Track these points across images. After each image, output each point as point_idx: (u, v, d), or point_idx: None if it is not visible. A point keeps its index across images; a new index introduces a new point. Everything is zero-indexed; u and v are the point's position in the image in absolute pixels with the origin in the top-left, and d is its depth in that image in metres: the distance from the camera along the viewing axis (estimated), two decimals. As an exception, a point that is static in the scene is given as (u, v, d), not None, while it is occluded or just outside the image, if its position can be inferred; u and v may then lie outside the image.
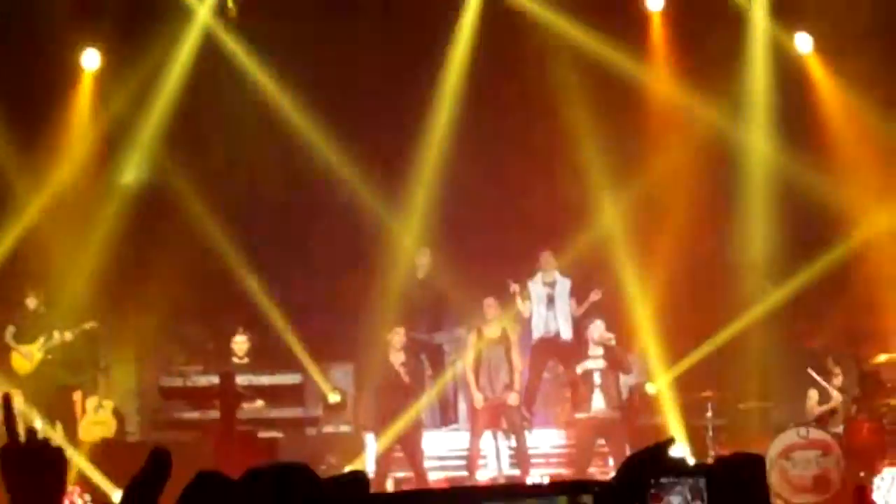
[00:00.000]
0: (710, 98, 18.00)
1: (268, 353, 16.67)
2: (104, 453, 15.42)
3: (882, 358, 15.83)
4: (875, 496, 13.15)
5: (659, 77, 18.45)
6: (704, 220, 17.72)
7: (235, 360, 16.18)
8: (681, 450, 14.27)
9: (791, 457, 14.59)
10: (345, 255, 17.83)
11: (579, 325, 16.30)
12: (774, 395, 17.40)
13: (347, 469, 14.81)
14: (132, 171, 18.30)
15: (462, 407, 17.13)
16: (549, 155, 18.03)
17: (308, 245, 18.06)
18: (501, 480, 15.84)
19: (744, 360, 17.58)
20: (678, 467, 3.00)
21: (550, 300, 16.50)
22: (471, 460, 15.82)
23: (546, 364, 16.88)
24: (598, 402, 15.35)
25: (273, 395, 15.48)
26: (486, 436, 16.05)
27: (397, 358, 15.81)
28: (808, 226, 17.67)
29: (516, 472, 15.79)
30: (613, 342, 15.50)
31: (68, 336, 16.04)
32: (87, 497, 12.31)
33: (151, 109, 17.93)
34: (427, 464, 15.76)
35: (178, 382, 15.52)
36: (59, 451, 2.93)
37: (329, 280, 17.70)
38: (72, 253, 17.16)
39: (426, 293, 17.16)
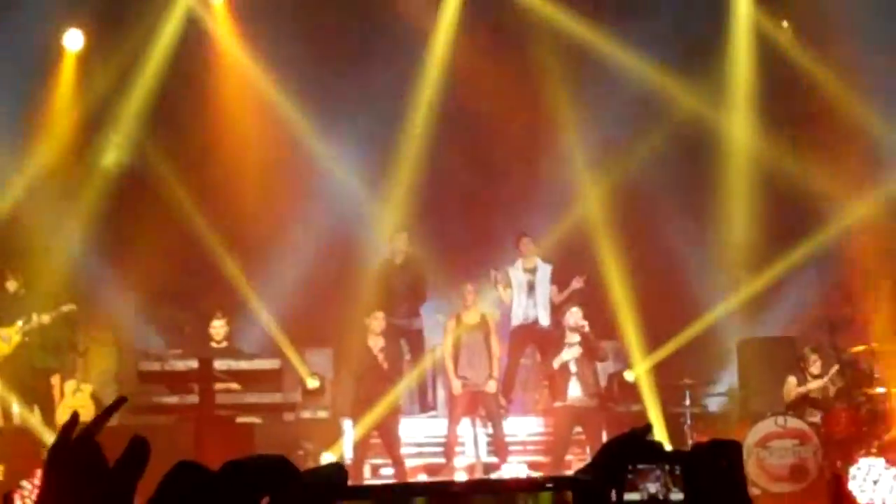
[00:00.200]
0: (691, 84, 18.03)
1: (246, 338, 16.65)
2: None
3: (860, 347, 15.87)
4: (851, 486, 13.18)
5: (641, 62, 18.46)
6: (684, 206, 17.75)
7: (214, 344, 16.14)
8: (658, 437, 14.28)
9: (768, 446, 14.62)
10: (324, 240, 17.80)
11: (558, 311, 16.30)
12: (752, 384, 17.43)
13: (324, 455, 14.87)
14: (113, 154, 18.25)
15: (440, 393, 17.11)
16: (529, 140, 18.03)
17: (287, 229, 18.03)
18: (479, 468, 15.86)
19: (722, 349, 17.63)
20: (655, 453, 2.99)
21: (531, 287, 16.49)
22: (448, 447, 15.81)
23: (524, 351, 16.90)
24: (575, 391, 15.32)
25: (251, 379, 15.46)
26: (464, 423, 16.04)
27: (376, 343, 15.76)
28: (788, 213, 17.70)
29: (494, 459, 15.79)
30: (587, 329, 15.48)
31: (46, 319, 15.95)
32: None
33: (133, 91, 17.90)
34: (404, 450, 15.72)
35: (156, 366, 15.47)
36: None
37: (308, 264, 17.67)
38: (51, 235, 17.11)
39: (404, 278, 17.11)
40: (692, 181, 18.08)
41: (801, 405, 15.53)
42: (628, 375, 16.59)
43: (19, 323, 16.01)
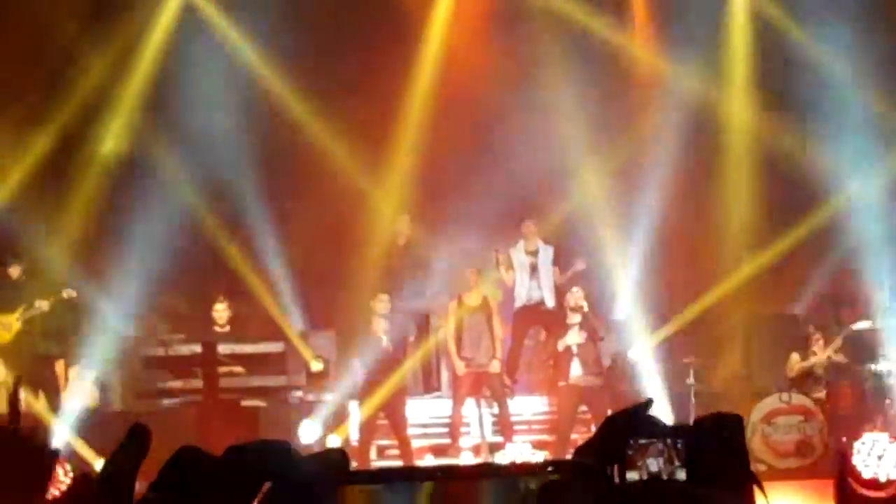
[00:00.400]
0: (690, 65, 17.99)
1: (249, 322, 16.64)
2: (86, 422, 15.37)
3: (864, 324, 15.86)
4: (856, 460, 13.18)
5: (640, 44, 18.43)
6: (686, 187, 17.73)
7: (217, 328, 16.13)
8: (661, 414, 14.30)
9: (773, 422, 14.66)
10: (326, 223, 17.78)
11: (560, 293, 16.32)
12: (756, 361, 17.43)
13: (330, 438, 14.88)
14: (112, 140, 18.22)
15: (445, 374, 17.12)
16: (531, 122, 17.99)
17: (289, 212, 18.00)
18: (484, 447, 15.89)
19: (725, 327, 17.61)
20: (657, 427, 3.00)
21: (533, 269, 16.53)
22: (453, 427, 15.85)
23: (528, 332, 16.92)
24: (577, 370, 15.44)
25: (255, 363, 15.48)
26: (469, 403, 16.07)
27: (381, 325, 15.78)
28: (789, 192, 17.68)
29: (499, 438, 15.81)
30: (586, 308, 15.56)
31: (45, 305, 15.90)
32: (69, 466, 12.28)
33: (131, 78, 17.86)
34: (410, 431, 15.76)
35: (160, 352, 15.51)
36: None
37: (310, 248, 17.65)
38: (52, 222, 17.10)
39: (407, 260, 17.12)
40: (693, 161, 18.04)
41: (804, 381, 15.55)
42: (631, 354, 16.60)
43: (20, 310, 15.99)
